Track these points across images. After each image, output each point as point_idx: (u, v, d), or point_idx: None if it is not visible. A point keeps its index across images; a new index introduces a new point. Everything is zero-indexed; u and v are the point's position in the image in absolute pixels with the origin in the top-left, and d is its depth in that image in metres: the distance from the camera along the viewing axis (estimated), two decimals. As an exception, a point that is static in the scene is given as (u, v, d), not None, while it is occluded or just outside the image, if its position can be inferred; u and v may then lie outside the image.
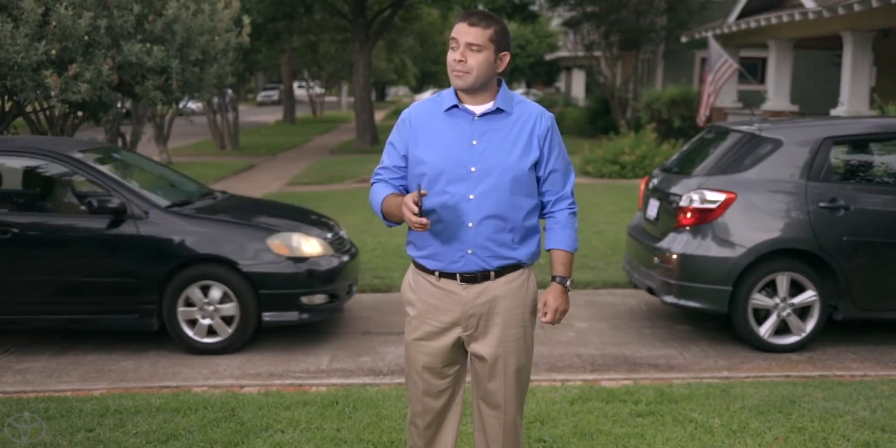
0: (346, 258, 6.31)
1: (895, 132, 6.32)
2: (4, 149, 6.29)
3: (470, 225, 2.93)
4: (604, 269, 8.27)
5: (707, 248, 5.88)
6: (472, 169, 2.92)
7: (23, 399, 4.92)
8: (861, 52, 13.73)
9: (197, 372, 5.58)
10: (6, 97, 8.34)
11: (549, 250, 3.13)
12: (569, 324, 6.60)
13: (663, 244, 6.10)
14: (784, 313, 5.85)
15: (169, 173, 7.17)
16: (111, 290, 5.89)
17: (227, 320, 5.93)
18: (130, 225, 5.88)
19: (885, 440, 4.20)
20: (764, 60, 20.82)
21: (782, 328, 5.90)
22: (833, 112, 13.62)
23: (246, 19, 10.47)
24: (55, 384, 5.33)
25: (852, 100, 13.55)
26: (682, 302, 5.98)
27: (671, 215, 6.17)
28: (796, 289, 5.88)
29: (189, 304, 5.92)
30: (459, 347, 3.10)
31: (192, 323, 5.93)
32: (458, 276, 2.99)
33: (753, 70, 22.55)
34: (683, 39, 21.02)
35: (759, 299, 5.84)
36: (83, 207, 6.02)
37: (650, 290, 6.29)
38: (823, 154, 5.95)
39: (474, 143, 2.94)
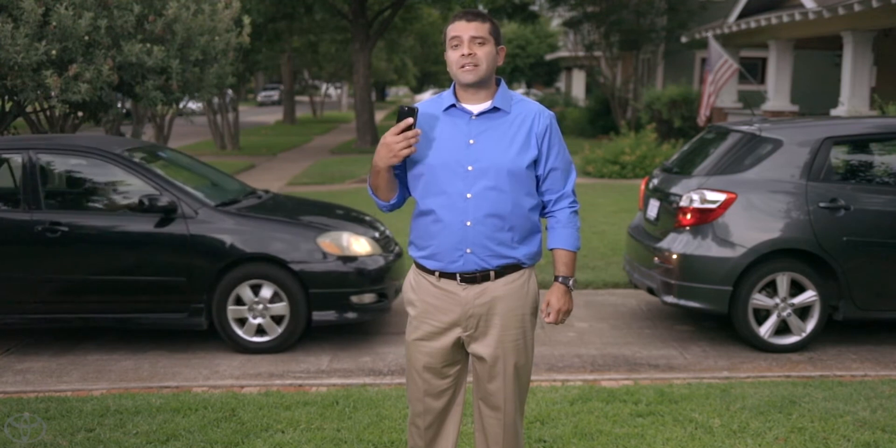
0: (392, 257, 6.31)
1: (895, 132, 6.32)
2: (53, 147, 6.24)
3: (468, 224, 2.93)
4: (604, 269, 8.27)
5: (707, 248, 5.88)
6: (469, 168, 2.93)
7: (23, 399, 4.92)
8: (861, 52, 13.73)
9: (197, 372, 5.58)
10: (6, 97, 8.34)
11: (551, 250, 3.13)
12: (569, 324, 6.60)
13: (663, 244, 6.10)
14: (784, 313, 5.85)
15: (212, 173, 7.14)
16: (160, 289, 5.88)
17: (277, 320, 5.92)
18: (181, 224, 5.87)
19: (886, 440, 4.20)
20: (764, 60, 20.83)
21: (782, 328, 5.90)
22: (833, 112, 13.63)
23: (246, 19, 10.47)
24: (55, 384, 5.33)
25: (852, 100, 13.55)
26: (683, 302, 5.97)
27: (671, 215, 6.17)
28: (796, 289, 5.88)
29: (239, 303, 5.90)
30: (460, 348, 3.10)
31: (242, 322, 5.91)
32: (457, 276, 2.99)
33: (753, 70, 22.56)
34: (683, 40, 21.02)
35: (760, 299, 5.84)
36: (133, 206, 5.99)
37: (650, 291, 6.29)
38: (823, 154, 5.95)
39: (471, 142, 2.95)
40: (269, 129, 35.13)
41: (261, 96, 60.70)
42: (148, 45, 8.18)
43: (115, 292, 5.90)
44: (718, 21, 19.68)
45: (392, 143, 2.82)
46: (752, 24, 16.05)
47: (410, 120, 2.82)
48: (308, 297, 5.87)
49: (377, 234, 6.42)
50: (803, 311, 5.89)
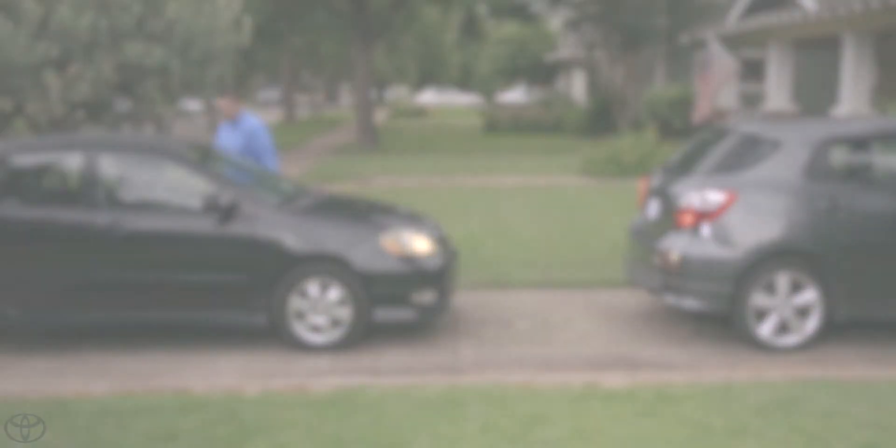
0: (450, 256, 6.31)
1: (895, 132, 6.32)
2: (113, 146, 6.23)
3: None
4: (604, 269, 8.27)
5: (707, 248, 5.88)
6: None
7: (23, 399, 4.92)
8: (861, 52, 13.74)
9: (197, 372, 5.58)
10: (6, 97, 8.35)
11: None
12: (569, 324, 6.61)
13: (663, 244, 6.10)
14: (784, 313, 5.85)
15: (266, 172, 7.13)
16: (221, 288, 5.87)
17: (338, 318, 5.89)
18: (242, 222, 5.86)
19: (886, 440, 4.20)
20: (764, 60, 20.82)
21: (783, 328, 5.90)
22: (833, 112, 13.64)
23: (246, 20, 10.48)
24: (55, 384, 5.33)
25: (852, 100, 13.57)
26: (683, 302, 5.97)
27: (671, 215, 6.17)
28: (797, 289, 5.88)
29: (300, 301, 5.88)
30: None
31: (300, 317, 5.89)
32: None
33: (753, 70, 22.55)
34: (684, 40, 21.01)
35: (760, 299, 5.84)
36: (195, 205, 5.97)
37: (651, 290, 6.28)
38: (823, 154, 5.95)
39: None
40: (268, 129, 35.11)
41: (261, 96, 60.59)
42: (148, 45, 8.20)
43: (175, 291, 5.88)
44: (719, 21, 19.68)
45: None
46: (753, 25, 16.05)
47: None
48: (370, 296, 5.85)
49: (436, 233, 6.42)
50: (803, 312, 5.89)
